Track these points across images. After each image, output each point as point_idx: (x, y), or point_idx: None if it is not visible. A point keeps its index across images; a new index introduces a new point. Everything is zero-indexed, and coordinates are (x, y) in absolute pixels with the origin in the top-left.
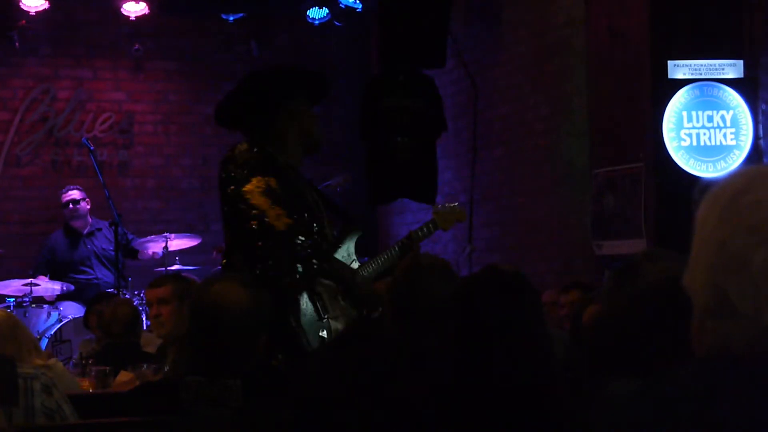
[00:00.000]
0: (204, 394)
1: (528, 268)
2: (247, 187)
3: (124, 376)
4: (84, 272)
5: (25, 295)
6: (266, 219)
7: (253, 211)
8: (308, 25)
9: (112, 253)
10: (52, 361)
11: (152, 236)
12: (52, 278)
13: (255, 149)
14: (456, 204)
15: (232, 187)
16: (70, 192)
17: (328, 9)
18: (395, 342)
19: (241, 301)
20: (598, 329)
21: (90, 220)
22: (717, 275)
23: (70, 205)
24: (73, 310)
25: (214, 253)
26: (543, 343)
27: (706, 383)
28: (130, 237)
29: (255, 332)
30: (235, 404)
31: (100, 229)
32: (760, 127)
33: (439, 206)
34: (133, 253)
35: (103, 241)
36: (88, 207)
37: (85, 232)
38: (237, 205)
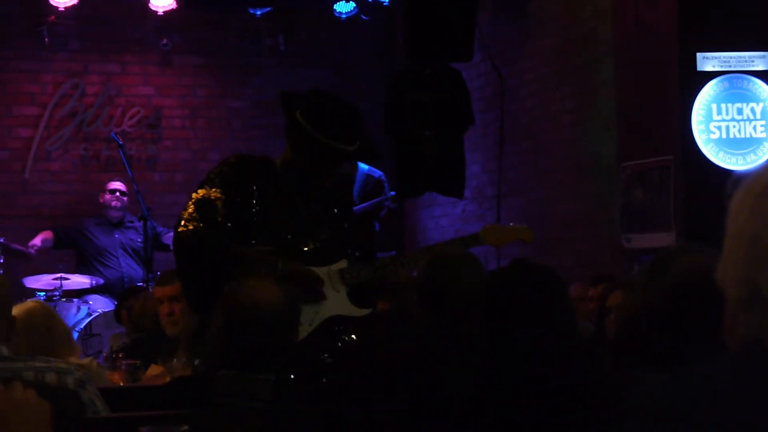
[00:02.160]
0: (237, 388)
1: (556, 261)
2: (194, 195)
3: (154, 370)
4: (110, 261)
5: (55, 289)
6: (178, 225)
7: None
8: (335, 19)
9: (140, 244)
10: (87, 360)
11: None
12: (79, 266)
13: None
14: (524, 225)
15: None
16: (118, 183)
17: (355, 3)
18: (423, 334)
19: (276, 299)
20: (629, 321)
21: (126, 214)
22: (749, 268)
23: (117, 193)
24: (101, 304)
25: None
26: (571, 336)
27: (738, 376)
28: (160, 230)
29: (289, 328)
30: (268, 398)
31: (131, 221)
32: None
33: (498, 224)
34: (165, 247)
35: (133, 233)
36: (127, 202)
37: (117, 221)
38: None
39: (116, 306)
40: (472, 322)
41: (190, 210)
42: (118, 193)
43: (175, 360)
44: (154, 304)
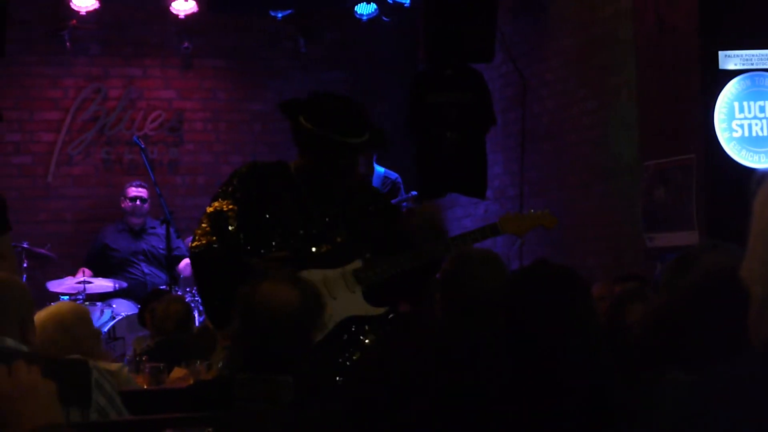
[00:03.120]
0: (256, 391)
1: (578, 261)
2: (208, 209)
3: (177, 373)
4: (134, 268)
5: (78, 293)
6: (193, 240)
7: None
8: (356, 21)
9: (163, 252)
10: (117, 366)
11: None
12: (102, 273)
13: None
14: (545, 210)
15: None
16: (138, 189)
17: (376, 5)
18: (446, 335)
19: (292, 301)
20: (654, 320)
21: (147, 219)
22: None
23: (138, 201)
24: (124, 308)
25: None
26: (594, 337)
27: (764, 375)
28: (174, 246)
29: (306, 330)
30: (287, 400)
31: (153, 227)
32: None
33: (518, 212)
34: (176, 260)
35: (155, 240)
36: (147, 209)
37: (139, 229)
38: None
39: (139, 309)
40: (494, 323)
41: (203, 225)
42: (138, 201)
43: (198, 362)
44: (177, 306)
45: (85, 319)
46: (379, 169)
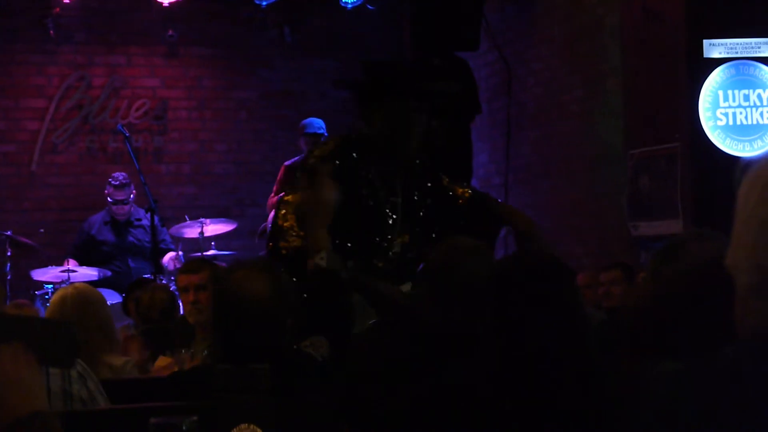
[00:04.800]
0: (233, 381)
1: (563, 250)
2: (286, 197)
3: (162, 361)
4: (120, 261)
5: (62, 282)
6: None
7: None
8: (341, 9)
9: (149, 244)
10: (121, 361)
11: (188, 222)
12: (87, 265)
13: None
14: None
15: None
16: (120, 192)
17: None
18: (433, 324)
19: (260, 288)
20: (641, 309)
21: (132, 209)
22: (759, 255)
23: (120, 205)
24: (108, 297)
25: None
26: (580, 325)
27: (750, 364)
28: (160, 239)
29: (276, 318)
30: (265, 389)
31: (139, 219)
32: None
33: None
34: (161, 253)
35: (141, 233)
36: (128, 211)
37: (125, 221)
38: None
39: (124, 298)
40: (481, 312)
41: (290, 222)
42: (120, 205)
43: (183, 351)
44: (161, 295)
45: (90, 305)
46: None
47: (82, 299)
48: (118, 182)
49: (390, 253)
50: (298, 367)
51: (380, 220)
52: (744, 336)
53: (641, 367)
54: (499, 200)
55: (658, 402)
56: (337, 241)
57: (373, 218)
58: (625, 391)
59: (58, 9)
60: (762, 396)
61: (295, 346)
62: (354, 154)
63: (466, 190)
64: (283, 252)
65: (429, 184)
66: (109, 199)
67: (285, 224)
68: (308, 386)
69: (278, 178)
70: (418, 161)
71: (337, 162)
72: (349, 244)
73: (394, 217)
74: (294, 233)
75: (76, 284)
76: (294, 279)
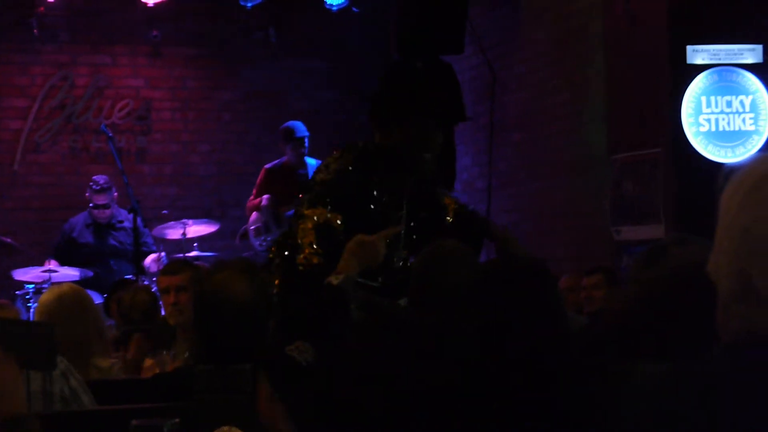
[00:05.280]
0: (215, 382)
1: (546, 253)
2: (307, 212)
3: (149, 362)
4: (102, 263)
5: (44, 282)
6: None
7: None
8: (326, 11)
9: (131, 247)
10: (108, 363)
11: (170, 222)
12: (68, 266)
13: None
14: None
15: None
16: (101, 196)
17: None
18: (415, 327)
19: (241, 289)
20: (623, 313)
21: (114, 211)
22: (741, 261)
23: (101, 209)
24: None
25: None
26: (562, 329)
27: (731, 368)
28: (142, 241)
29: (258, 319)
30: (246, 390)
31: (121, 221)
32: None
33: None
34: (143, 255)
35: (123, 235)
36: (115, 198)
37: (107, 223)
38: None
39: (105, 299)
40: (463, 315)
41: (309, 238)
42: (100, 210)
43: (165, 352)
44: (143, 296)
45: (85, 308)
46: (311, 161)
47: (80, 299)
48: (99, 186)
49: (391, 269)
50: (281, 370)
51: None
52: (726, 340)
53: (624, 370)
54: (482, 215)
55: (640, 405)
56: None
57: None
58: (607, 394)
59: (42, 8)
60: (743, 399)
61: (280, 350)
62: (371, 168)
63: (453, 202)
64: (300, 268)
65: (425, 198)
66: (90, 203)
67: (304, 240)
68: (290, 389)
69: (258, 181)
70: (430, 176)
71: (356, 177)
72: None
73: (400, 232)
74: (313, 250)
75: (69, 284)
76: (306, 295)
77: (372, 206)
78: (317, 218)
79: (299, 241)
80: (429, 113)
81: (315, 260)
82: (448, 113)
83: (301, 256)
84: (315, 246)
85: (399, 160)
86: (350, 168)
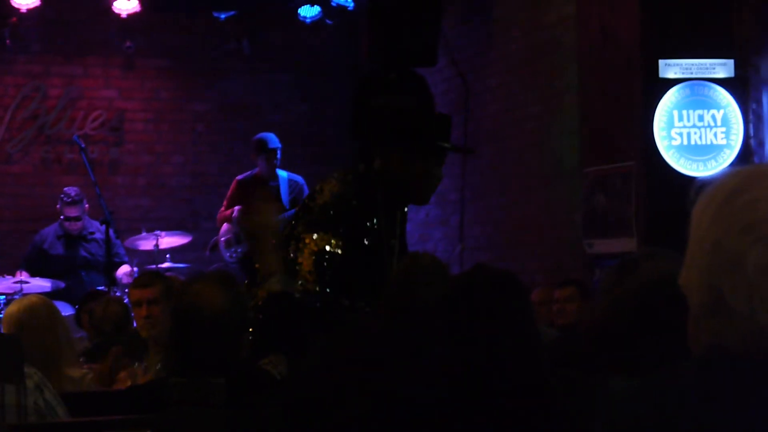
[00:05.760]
0: (187, 395)
1: (518, 266)
2: (307, 239)
3: (123, 373)
4: (73, 275)
5: (15, 293)
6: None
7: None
8: (300, 23)
9: (102, 258)
10: (80, 373)
11: (143, 234)
12: (39, 276)
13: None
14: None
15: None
16: (72, 208)
17: (320, 7)
18: (389, 340)
19: (217, 302)
20: (594, 327)
21: (85, 223)
22: (712, 275)
23: (72, 222)
24: (61, 309)
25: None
26: (533, 342)
27: (703, 382)
28: (114, 252)
29: (234, 332)
30: (220, 403)
31: (93, 233)
32: (751, 126)
33: None
34: (114, 266)
35: (94, 246)
36: (86, 210)
37: (78, 234)
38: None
39: (77, 310)
40: (435, 327)
41: (309, 267)
42: (72, 223)
43: (136, 364)
44: (115, 308)
45: (57, 318)
46: (282, 174)
47: (53, 310)
48: (70, 199)
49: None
50: (254, 383)
51: (382, 266)
52: (697, 354)
53: (594, 383)
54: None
55: (611, 419)
56: (342, 289)
57: (375, 265)
58: (578, 407)
59: (15, 19)
60: (712, 413)
61: (254, 363)
62: (372, 195)
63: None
64: (297, 295)
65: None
66: (60, 215)
67: (305, 267)
68: (263, 402)
69: (229, 192)
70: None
71: (355, 202)
72: (351, 291)
73: (392, 261)
74: (312, 278)
75: (36, 295)
76: (303, 321)
77: (371, 234)
78: (317, 244)
79: (299, 269)
80: (436, 153)
81: (311, 288)
82: (439, 146)
83: (300, 282)
84: (313, 273)
85: (398, 188)
86: (351, 194)
